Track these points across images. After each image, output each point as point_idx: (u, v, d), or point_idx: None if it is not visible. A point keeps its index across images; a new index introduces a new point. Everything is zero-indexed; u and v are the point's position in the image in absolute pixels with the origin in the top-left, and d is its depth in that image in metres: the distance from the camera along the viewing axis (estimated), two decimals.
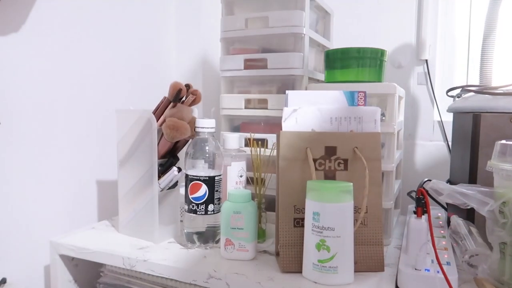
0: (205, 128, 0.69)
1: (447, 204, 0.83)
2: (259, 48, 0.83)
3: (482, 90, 0.76)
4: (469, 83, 0.97)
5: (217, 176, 0.69)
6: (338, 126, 0.65)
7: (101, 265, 0.75)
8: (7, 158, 0.72)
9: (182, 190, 0.74)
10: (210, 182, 0.68)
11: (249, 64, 0.82)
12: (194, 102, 0.76)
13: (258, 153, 0.74)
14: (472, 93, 0.78)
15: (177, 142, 0.73)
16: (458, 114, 0.81)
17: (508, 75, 0.89)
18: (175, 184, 0.76)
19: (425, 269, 0.54)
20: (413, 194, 0.81)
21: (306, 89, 0.79)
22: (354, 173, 0.62)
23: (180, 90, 0.71)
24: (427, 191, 0.59)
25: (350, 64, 0.79)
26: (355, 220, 0.59)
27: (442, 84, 1.01)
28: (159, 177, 0.72)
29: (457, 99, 0.83)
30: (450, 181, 0.85)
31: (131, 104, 0.97)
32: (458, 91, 0.85)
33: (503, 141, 0.56)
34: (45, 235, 0.77)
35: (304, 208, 0.59)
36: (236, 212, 0.64)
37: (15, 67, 0.72)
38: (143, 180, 0.72)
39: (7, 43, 0.71)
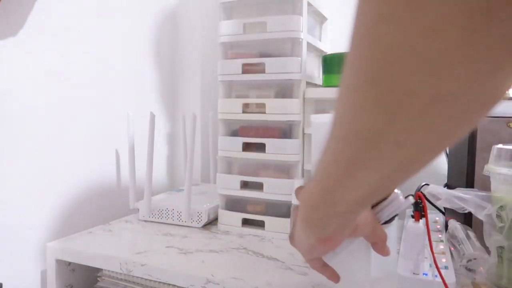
0: None
1: (444, 208, 0.83)
2: (257, 53, 0.83)
3: None
4: None
5: None
6: None
7: (98, 270, 0.75)
8: (1, 162, 0.71)
9: None
10: None
11: (247, 69, 0.82)
12: None
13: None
14: None
15: None
16: None
17: None
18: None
19: (423, 273, 0.54)
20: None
21: (304, 93, 0.79)
22: None
23: None
24: (424, 195, 0.60)
25: None
26: None
27: None
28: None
29: None
30: (447, 185, 0.85)
31: (128, 108, 0.97)
32: None
33: (500, 145, 0.56)
34: (42, 240, 0.77)
35: None
36: None
37: (13, 69, 0.72)
38: None
39: (5, 46, 0.70)
